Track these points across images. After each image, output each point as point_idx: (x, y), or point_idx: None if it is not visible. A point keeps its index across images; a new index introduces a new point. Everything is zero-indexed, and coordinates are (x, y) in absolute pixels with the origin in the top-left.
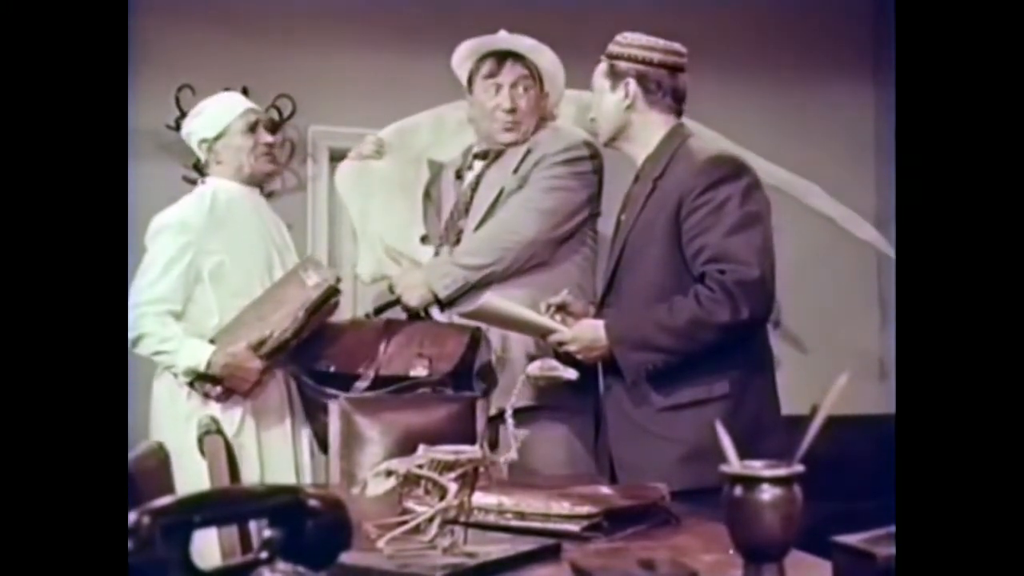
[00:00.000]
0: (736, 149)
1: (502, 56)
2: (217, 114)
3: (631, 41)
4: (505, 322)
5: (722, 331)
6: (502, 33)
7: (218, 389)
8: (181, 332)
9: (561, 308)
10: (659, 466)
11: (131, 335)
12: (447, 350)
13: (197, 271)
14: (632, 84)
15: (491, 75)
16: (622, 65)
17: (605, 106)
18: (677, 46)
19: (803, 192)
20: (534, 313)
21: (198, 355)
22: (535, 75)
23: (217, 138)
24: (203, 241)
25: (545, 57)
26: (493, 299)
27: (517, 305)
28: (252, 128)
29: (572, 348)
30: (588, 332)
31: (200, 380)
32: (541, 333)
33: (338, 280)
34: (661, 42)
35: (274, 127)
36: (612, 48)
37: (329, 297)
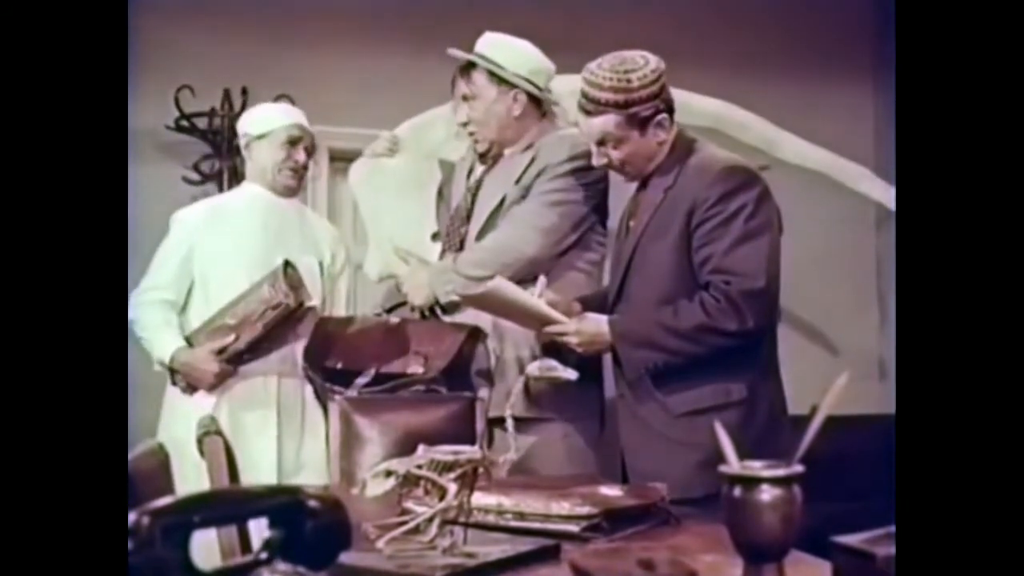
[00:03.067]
0: (771, 129)
1: (460, 70)
2: (269, 116)
3: (638, 82)
4: (509, 308)
5: (728, 338)
6: (480, 40)
7: (184, 383)
8: (162, 323)
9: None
10: (678, 472)
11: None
12: (443, 348)
13: (191, 269)
14: (667, 120)
15: (453, 89)
16: (646, 108)
17: (635, 150)
18: (660, 62)
19: (849, 175)
20: (539, 301)
21: (165, 349)
22: (486, 83)
23: (258, 137)
24: (197, 239)
25: (486, 64)
26: (502, 284)
27: (524, 292)
28: (292, 142)
29: (574, 340)
30: (591, 326)
31: (171, 372)
32: (543, 323)
33: (300, 304)
34: (639, 60)
35: (313, 149)
36: (622, 96)
37: (290, 315)
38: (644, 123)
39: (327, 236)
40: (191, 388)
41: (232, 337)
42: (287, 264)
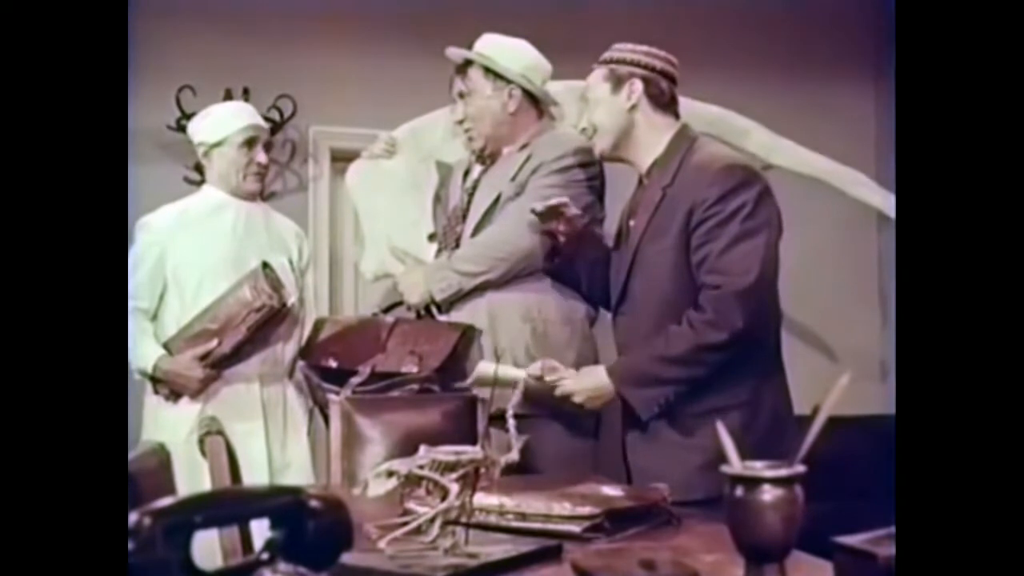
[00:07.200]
0: (770, 136)
1: (456, 68)
2: (221, 121)
3: (631, 48)
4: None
5: (724, 349)
6: (478, 41)
7: (167, 390)
8: (138, 331)
9: (555, 211)
10: (679, 474)
11: None
12: (438, 347)
13: (163, 273)
14: (637, 84)
15: (451, 89)
16: (623, 69)
17: (606, 109)
18: (671, 56)
19: (847, 181)
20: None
21: (147, 358)
22: (481, 79)
23: (215, 145)
24: (167, 244)
25: (481, 60)
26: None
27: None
28: (250, 144)
29: (578, 400)
30: (591, 380)
31: (152, 381)
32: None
33: (283, 304)
34: (660, 51)
35: (270, 145)
36: (610, 54)
37: (273, 316)
38: (616, 81)
39: (291, 233)
40: (175, 395)
41: (215, 342)
42: (266, 265)
